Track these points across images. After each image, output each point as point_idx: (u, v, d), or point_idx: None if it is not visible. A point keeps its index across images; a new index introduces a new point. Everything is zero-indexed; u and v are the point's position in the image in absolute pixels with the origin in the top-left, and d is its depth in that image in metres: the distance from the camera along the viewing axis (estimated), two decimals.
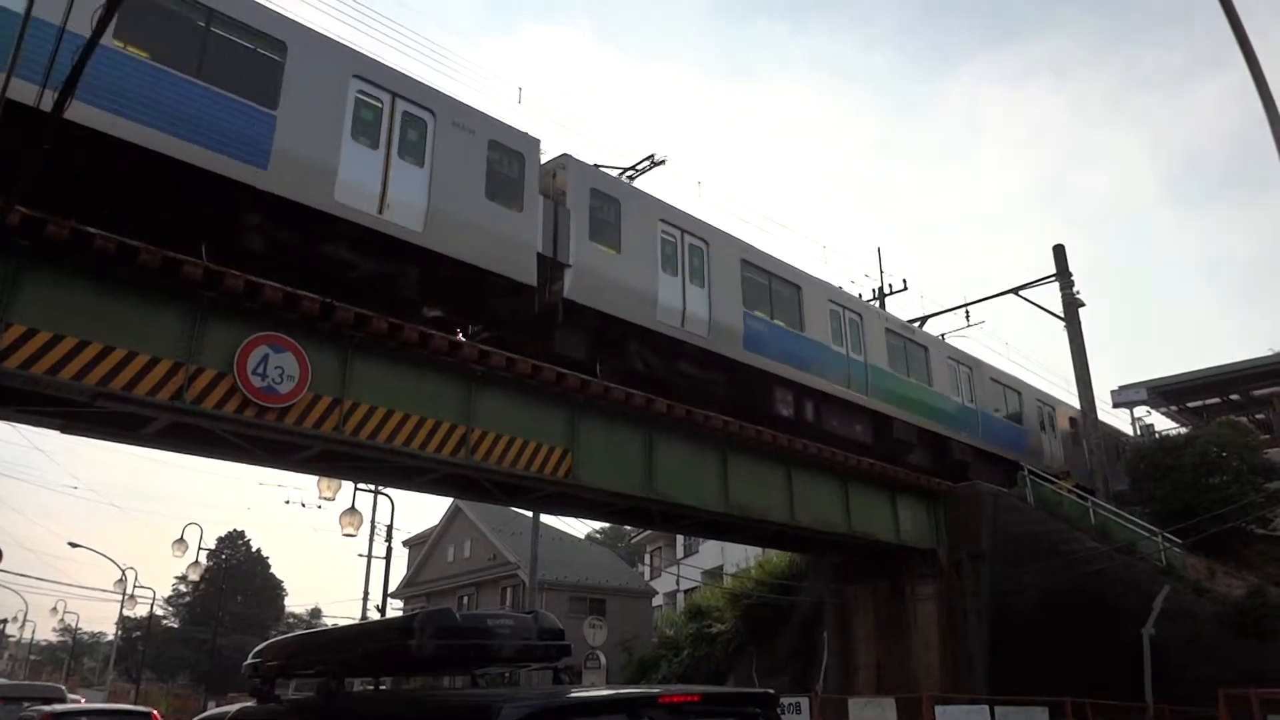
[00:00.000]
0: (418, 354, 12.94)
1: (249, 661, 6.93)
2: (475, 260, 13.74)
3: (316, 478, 22.95)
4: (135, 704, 35.26)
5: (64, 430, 12.77)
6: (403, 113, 13.51)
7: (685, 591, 41.85)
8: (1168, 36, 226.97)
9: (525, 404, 14.41)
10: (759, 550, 31.13)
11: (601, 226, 16.02)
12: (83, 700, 27.80)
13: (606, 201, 16.36)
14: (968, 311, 31.86)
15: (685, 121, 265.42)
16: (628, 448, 15.93)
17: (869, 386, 20.84)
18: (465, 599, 40.95)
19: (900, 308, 35.49)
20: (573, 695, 4.15)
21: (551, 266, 14.91)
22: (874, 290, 33.10)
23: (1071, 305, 28.64)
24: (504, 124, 14.91)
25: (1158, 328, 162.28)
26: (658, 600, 45.83)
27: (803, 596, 26.22)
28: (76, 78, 6.65)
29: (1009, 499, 22.92)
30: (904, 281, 33.44)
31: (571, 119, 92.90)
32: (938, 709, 18.94)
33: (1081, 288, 28.92)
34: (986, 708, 18.56)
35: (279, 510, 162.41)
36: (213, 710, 6.92)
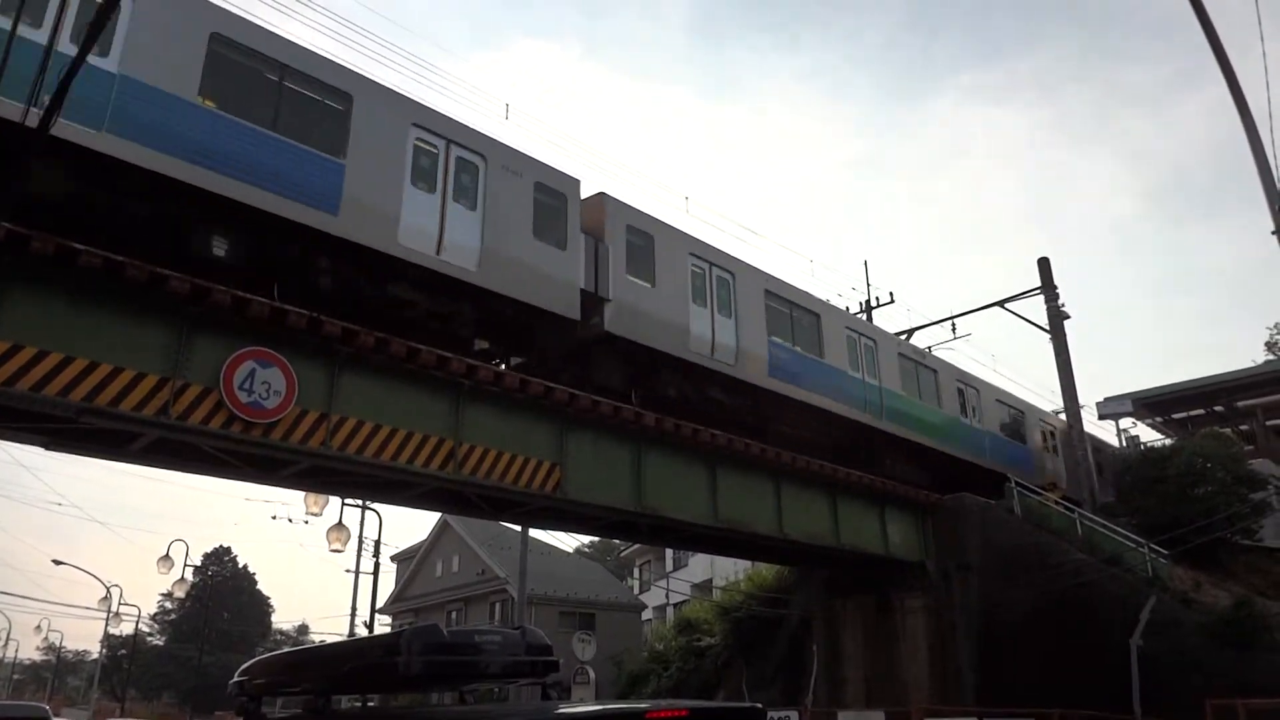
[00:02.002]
0: (405, 368, 12.91)
1: (235, 679, 6.89)
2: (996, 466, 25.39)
3: (304, 493, 22.85)
4: None
5: (49, 447, 12.66)
6: (957, 388, 25.11)
7: (675, 605, 41.76)
8: (1151, 52, 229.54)
9: (513, 418, 14.38)
10: (748, 563, 31.12)
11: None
12: None
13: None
14: (954, 324, 32.05)
15: (673, 136, 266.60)
16: (616, 462, 15.91)
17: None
18: (454, 614, 40.75)
19: (887, 320, 35.66)
20: (561, 711, 4.15)
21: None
22: (861, 303, 33.25)
23: (1057, 318, 28.78)
24: (962, 369, 26.44)
25: (1143, 340, 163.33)
26: (647, 614, 45.68)
27: (792, 609, 26.20)
28: (63, 94, 6.65)
29: (997, 511, 22.98)
30: (890, 295, 33.63)
31: (559, 135, 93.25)
32: None
33: (1066, 300, 29.11)
34: None
35: (266, 526, 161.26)
36: None
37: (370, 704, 7.27)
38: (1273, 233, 11.14)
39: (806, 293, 20.84)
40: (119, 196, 10.84)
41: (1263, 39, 11.42)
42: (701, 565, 41.13)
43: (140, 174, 10.63)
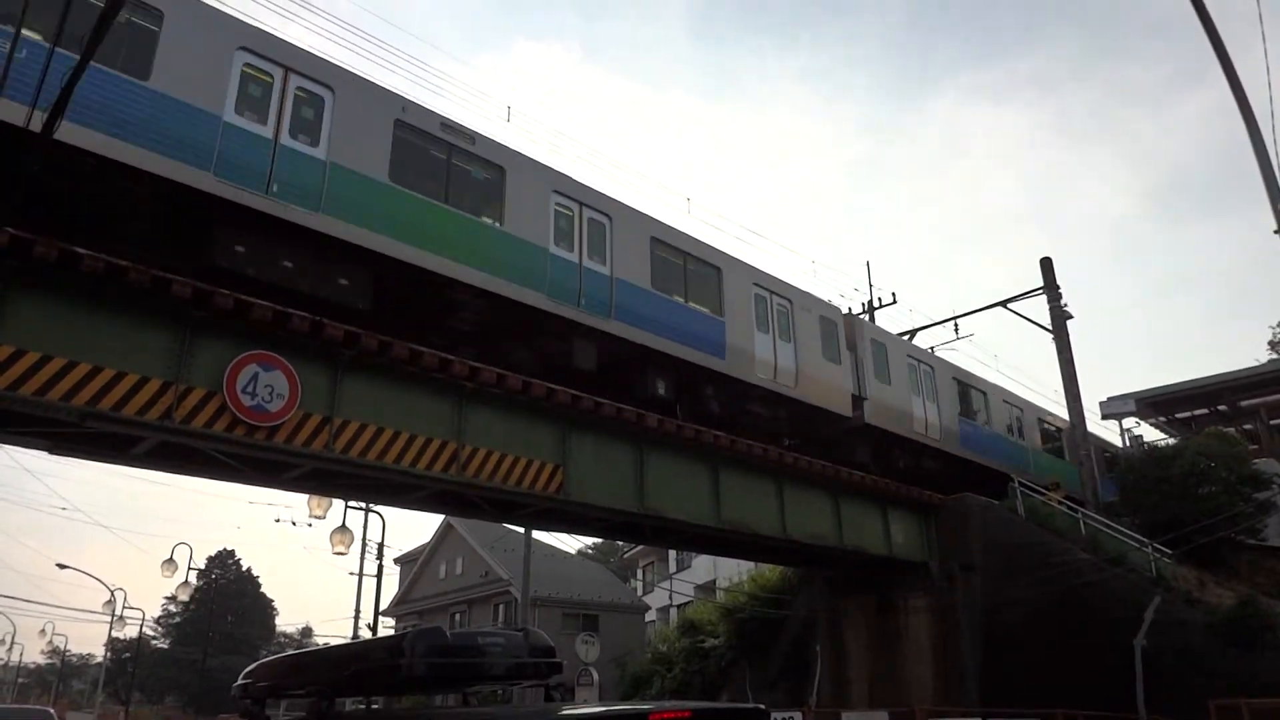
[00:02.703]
0: (408, 371, 12.93)
1: (239, 682, 6.92)
2: None
3: (307, 496, 22.89)
4: None
5: (52, 451, 12.69)
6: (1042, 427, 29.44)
7: (678, 606, 41.72)
8: (1151, 51, 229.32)
9: (516, 420, 14.39)
10: (751, 564, 31.11)
11: None
12: None
13: None
14: (956, 324, 31.97)
15: (673, 137, 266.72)
16: (619, 463, 15.91)
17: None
18: (457, 616, 40.74)
19: (890, 321, 35.66)
20: (564, 712, 4.17)
21: None
22: (863, 304, 33.22)
23: (1059, 318, 28.65)
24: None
25: (1144, 340, 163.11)
26: (650, 615, 45.65)
27: (795, 610, 26.18)
28: (66, 99, 6.67)
29: (999, 511, 22.93)
30: (893, 295, 33.57)
31: (561, 137, 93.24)
32: None
33: (1069, 300, 29.00)
34: None
35: (269, 529, 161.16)
36: None
37: (374, 706, 7.27)
38: (1275, 231, 11.10)
39: (979, 376, 26.70)
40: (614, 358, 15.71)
41: (1264, 38, 11.40)
42: (705, 566, 41.11)
43: (621, 340, 15.46)
